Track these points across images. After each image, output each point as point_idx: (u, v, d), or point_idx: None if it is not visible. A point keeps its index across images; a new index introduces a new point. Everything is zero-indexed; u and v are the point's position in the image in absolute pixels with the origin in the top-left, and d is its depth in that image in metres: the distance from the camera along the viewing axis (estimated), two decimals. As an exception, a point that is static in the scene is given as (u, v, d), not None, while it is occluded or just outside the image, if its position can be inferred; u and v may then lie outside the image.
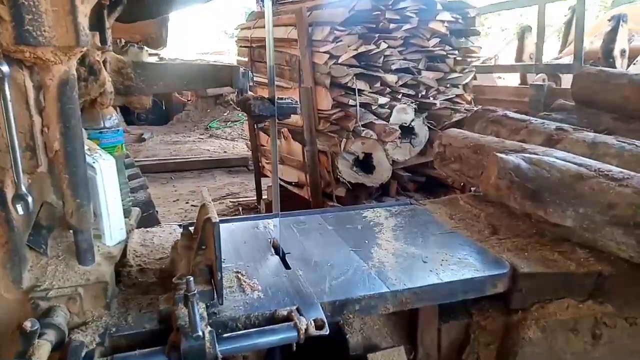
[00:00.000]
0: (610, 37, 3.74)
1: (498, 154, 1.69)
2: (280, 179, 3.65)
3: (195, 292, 0.99)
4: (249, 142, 4.19)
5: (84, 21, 1.00)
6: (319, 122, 2.99)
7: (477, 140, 2.05)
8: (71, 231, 1.16)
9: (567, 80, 3.80)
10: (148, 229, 1.68)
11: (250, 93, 1.56)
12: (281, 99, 1.43)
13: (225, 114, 9.64)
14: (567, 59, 4.49)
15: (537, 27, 3.86)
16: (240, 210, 4.49)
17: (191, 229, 1.36)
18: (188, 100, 10.01)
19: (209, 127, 9.22)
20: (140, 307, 1.19)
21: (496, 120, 2.31)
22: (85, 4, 1.02)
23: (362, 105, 2.92)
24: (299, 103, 1.46)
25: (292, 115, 1.50)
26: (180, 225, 1.45)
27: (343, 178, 2.98)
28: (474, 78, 4.56)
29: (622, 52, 3.77)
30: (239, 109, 1.62)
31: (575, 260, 1.45)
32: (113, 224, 1.24)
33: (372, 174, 3.08)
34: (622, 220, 1.36)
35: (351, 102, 2.87)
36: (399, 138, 3.06)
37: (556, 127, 2.03)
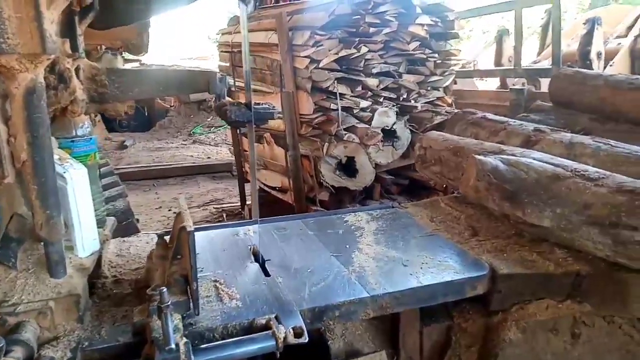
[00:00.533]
0: (587, 40, 3.83)
1: (476, 156, 1.70)
2: (263, 184, 3.64)
3: (169, 303, 0.97)
4: (232, 148, 4.17)
5: (50, 28, 0.98)
6: (301, 126, 2.98)
7: (457, 143, 2.06)
8: (42, 243, 1.13)
9: (546, 84, 3.86)
10: (124, 239, 1.65)
11: (227, 98, 1.54)
12: (258, 104, 1.42)
13: (209, 119, 9.58)
14: (546, 62, 4.56)
15: (515, 32, 3.92)
16: (224, 216, 4.45)
17: (167, 237, 1.34)
18: (171, 106, 9.92)
19: (193, 133, 9.15)
20: (114, 320, 1.16)
21: (475, 122, 2.32)
22: (52, 10, 1.00)
23: (344, 109, 2.92)
24: (276, 108, 1.45)
25: (270, 120, 1.49)
26: (157, 234, 1.43)
27: (326, 182, 2.97)
28: (454, 82, 4.60)
29: (599, 54, 3.86)
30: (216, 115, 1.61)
31: (553, 260, 1.46)
32: (85, 235, 1.21)
33: (355, 178, 3.08)
34: (598, 220, 1.37)
35: (333, 106, 2.86)
36: (381, 141, 3.07)
37: (534, 128, 2.06)
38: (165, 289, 0.97)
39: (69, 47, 1.24)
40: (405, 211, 1.97)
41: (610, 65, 4.13)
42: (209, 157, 7.32)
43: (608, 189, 1.40)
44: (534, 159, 1.64)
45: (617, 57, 4.19)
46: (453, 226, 1.78)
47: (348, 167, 3.07)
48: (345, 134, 2.91)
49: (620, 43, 4.35)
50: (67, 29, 1.30)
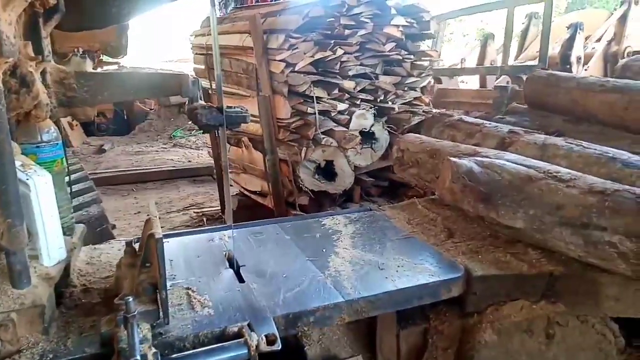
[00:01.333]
0: (569, 44, 3.93)
1: (451, 158, 1.70)
2: (244, 188, 3.60)
3: (136, 313, 0.94)
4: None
5: (7, 30, 0.94)
6: (279, 131, 2.95)
7: (433, 145, 2.07)
8: (4, 252, 1.09)
9: None
10: (96, 246, 1.61)
11: (200, 102, 1.52)
12: (230, 107, 1.40)
13: (190, 122, 9.46)
14: (530, 63, 4.61)
15: (505, 30, 3.97)
16: (205, 220, 4.39)
17: (137, 245, 1.31)
18: (151, 109, 9.77)
19: (173, 136, 9.03)
20: (81, 330, 1.13)
21: (452, 124, 2.34)
22: (9, 12, 0.96)
23: (321, 112, 2.90)
24: (249, 111, 1.43)
25: (243, 124, 1.47)
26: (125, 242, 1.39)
27: (305, 187, 2.95)
28: (439, 82, 4.61)
29: (578, 58, 3.97)
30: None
31: (527, 261, 1.47)
32: (51, 243, 1.17)
33: (334, 181, 3.06)
34: (570, 220, 1.39)
35: (310, 110, 2.84)
36: (360, 144, 3.06)
37: (509, 130, 2.08)
38: (131, 299, 0.95)
39: (31, 50, 1.20)
40: (383, 214, 1.97)
41: (585, 69, 4.23)
42: (189, 161, 7.22)
43: (579, 190, 1.42)
44: (508, 160, 1.65)
45: (591, 61, 4.31)
46: (429, 228, 1.78)
47: (327, 171, 3.05)
48: (324, 138, 2.90)
49: (594, 47, 4.46)
50: (30, 32, 1.26)
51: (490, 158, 1.69)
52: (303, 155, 2.85)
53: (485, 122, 2.28)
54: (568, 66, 3.87)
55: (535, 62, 3.83)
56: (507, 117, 2.56)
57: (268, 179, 3.00)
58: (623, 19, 4.37)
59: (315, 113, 2.82)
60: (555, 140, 1.92)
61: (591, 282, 1.42)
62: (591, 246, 1.34)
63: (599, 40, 4.56)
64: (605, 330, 1.49)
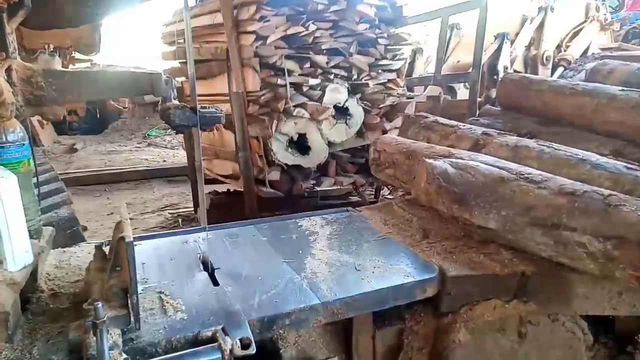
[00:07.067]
0: (496, 54, 4.04)
1: (427, 160, 1.72)
2: (216, 174, 3.51)
3: (105, 318, 0.92)
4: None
5: (-32, 25, 0.90)
6: (248, 105, 2.83)
7: (409, 146, 2.09)
8: (-35, 258, 1.05)
9: (462, 92, 4.03)
10: (65, 249, 1.56)
11: (173, 102, 1.49)
12: (205, 107, 1.38)
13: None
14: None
15: (439, 40, 4.03)
16: (180, 221, 4.32)
17: (107, 248, 1.27)
18: (124, 108, 9.58)
19: (148, 135, 8.87)
20: (49, 337, 1.10)
21: (427, 126, 2.36)
22: (-30, 7, 0.92)
23: (293, 86, 2.81)
24: (223, 111, 1.41)
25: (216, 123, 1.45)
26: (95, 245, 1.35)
27: (278, 160, 2.87)
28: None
29: (505, 68, 4.08)
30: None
31: (499, 261, 1.49)
32: (16, 248, 1.13)
33: (308, 155, 3.00)
34: (541, 221, 1.42)
35: (280, 82, 2.76)
36: (334, 117, 3.00)
37: (482, 132, 2.11)
38: (100, 304, 0.92)
39: (-5, 47, 1.16)
40: (360, 215, 1.98)
41: None
42: (164, 160, 7.10)
43: (550, 191, 1.45)
44: (481, 162, 1.67)
45: (513, 66, 4.48)
46: (405, 229, 1.80)
47: (300, 146, 2.98)
48: (295, 109, 2.82)
49: (512, 53, 4.58)
50: (-7, 28, 1.22)
51: (465, 159, 1.71)
52: (274, 127, 2.77)
53: (459, 124, 2.31)
54: (495, 76, 3.96)
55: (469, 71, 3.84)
56: (481, 119, 2.60)
57: (239, 161, 2.89)
58: (541, 26, 4.54)
59: (286, 84, 2.76)
60: (527, 142, 1.96)
61: (561, 281, 1.45)
62: (561, 246, 1.37)
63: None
64: (575, 328, 1.52)
